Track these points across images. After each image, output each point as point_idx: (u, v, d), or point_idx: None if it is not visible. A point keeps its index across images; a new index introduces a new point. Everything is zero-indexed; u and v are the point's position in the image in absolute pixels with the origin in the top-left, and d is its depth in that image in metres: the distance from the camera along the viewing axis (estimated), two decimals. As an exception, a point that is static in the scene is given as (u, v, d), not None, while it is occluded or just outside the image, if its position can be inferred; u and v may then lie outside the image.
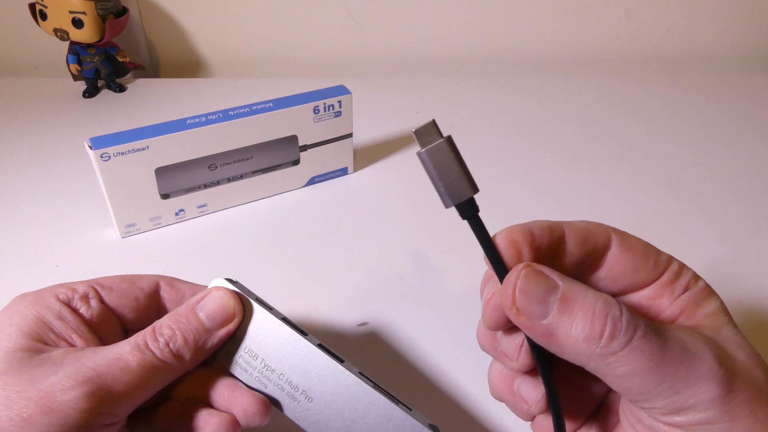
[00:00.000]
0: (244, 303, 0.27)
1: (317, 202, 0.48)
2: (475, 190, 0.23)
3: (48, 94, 0.65)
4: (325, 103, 0.46)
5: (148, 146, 0.41)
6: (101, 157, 0.39)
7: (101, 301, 0.27)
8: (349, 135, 0.49)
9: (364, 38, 0.72)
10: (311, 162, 0.49)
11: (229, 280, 0.27)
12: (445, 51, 0.74)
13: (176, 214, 0.45)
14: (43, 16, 0.60)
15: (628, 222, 0.46)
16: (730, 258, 0.42)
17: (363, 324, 0.37)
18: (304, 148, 0.48)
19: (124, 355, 0.23)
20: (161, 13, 0.70)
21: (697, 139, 0.57)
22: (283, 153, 0.47)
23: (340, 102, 0.47)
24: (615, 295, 0.23)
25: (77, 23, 0.59)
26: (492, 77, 0.71)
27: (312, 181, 0.50)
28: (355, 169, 0.52)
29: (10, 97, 0.65)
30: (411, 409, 0.25)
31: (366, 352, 0.35)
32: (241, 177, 0.47)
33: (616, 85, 0.67)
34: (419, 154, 0.23)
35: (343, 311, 0.38)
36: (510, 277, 0.21)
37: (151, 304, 0.28)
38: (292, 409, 0.26)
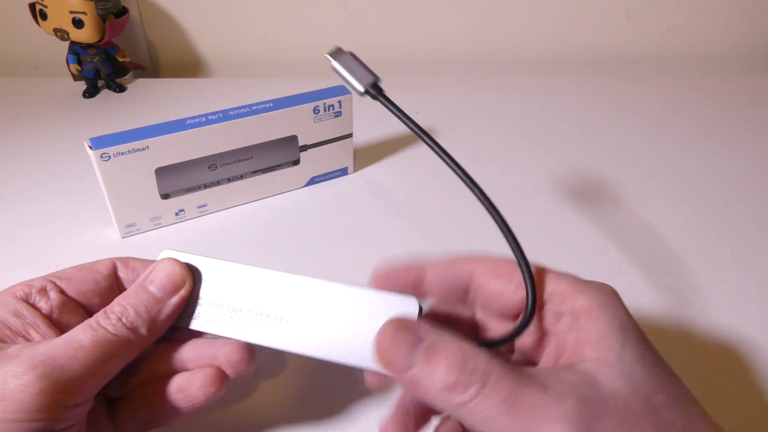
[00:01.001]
0: (193, 268, 0.27)
1: (317, 202, 0.48)
2: (377, 77, 0.30)
3: (48, 94, 0.65)
4: (325, 103, 0.46)
5: (148, 146, 0.41)
6: (101, 157, 0.39)
7: (61, 292, 0.27)
8: (349, 135, 0.49)
9: (364, 38, 0.72)
10: (311, 162, 0.49)
11: (178, 254, 0.28)
12: (445, 51, 0.74)
13: (176, 214, 0.45)
14: (43, 16, 0.60)
15: (628, 222, 0.46)
16: (730, 258, 0.42)
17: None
18: (304, 148, 0.48)
19: (76, 335, 0.23)
20: (161, 13, 0.70)
21: (698, 139, 0.57)
22: (283, 153, 0.47)
23: (340, 102, 0.47)
24: (507, 318, 0.25)
25: (77, 23, 0.59)
26: (492, 77, 0.71)
27: (312, 181, 0.50)
28: (355, 169, 0.52)
29: (10, 97, 0.65)
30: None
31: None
32: (241, 177, 0.47)
33: (616, 85, 0.67)
34: (328, 59, 0.30)
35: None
36: (381, 331, 0.22)
37: (113, 287, 0.28)
38: (274, 338, 0.25)
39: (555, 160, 0.54)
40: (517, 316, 0.25)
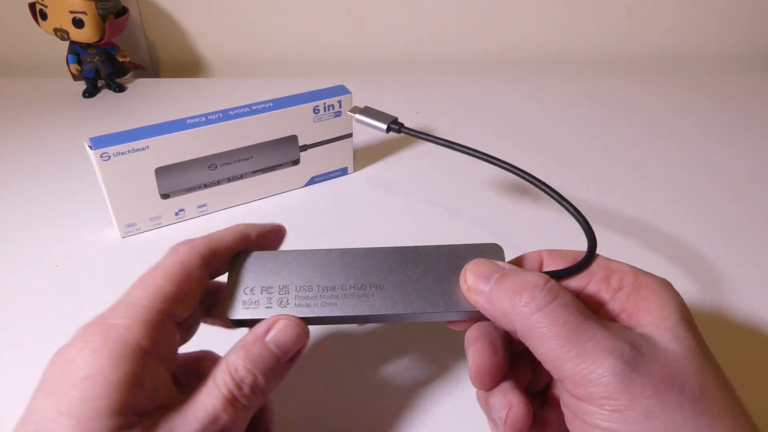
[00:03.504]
0: (272, 261, 0.27)
1: (317, 202, 0.48)
2: (395, 117, 0.37)
3: (48, 94, 0.65)
4: (325, 103, 0.46)
5: (148, 146, 0.41)
6: (101, 157, 0.39)
7: (173, 324, 0.24)
8: (349, 135, 0.49)
9: (364, 38, 0.72)
10: (311, 162, 0.49)
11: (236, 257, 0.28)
12: (445, 51, 0.74)
13: (176, 214, 0.45)
14: (43, 16, 0.60)
15: (627, 222, 0.46)
16: (729, 258, 0.42)
17: (363, 323, 0.37)
18: (304, 148, 0.48)
19: (219, 415, 0.22)
20: (161, 13, 0.70)
21: (697, 139, 0.57)
22: (283, 153, 0.47)
23: (340, 102, 0.47)
24: None
25: (77, 23, 0.59)
26: (492, 77, 0.71)
27: (312, 181, 0.50)
28: (355, 169, 0.52)
29: (10, 97, 0.65)
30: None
31: (366, 352, 0.35)
32: (241, 177, 0.47)
33: (616, 85, 0.67)
34: (351, 115, 0.40)
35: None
36: (466, 266, 0.25)
37: (204, 282, 0.26)
38: (378, 306, 0.26)
39: (555, 160, 0.54)
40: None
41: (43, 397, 0.21)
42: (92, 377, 0.21)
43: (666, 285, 0.24)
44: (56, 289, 0.40)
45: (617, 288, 0.25)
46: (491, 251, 0.27)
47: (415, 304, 0.26)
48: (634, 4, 0.70)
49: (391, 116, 0.38)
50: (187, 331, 0.27)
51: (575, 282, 0.26)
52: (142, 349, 0.22)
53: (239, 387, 0.23)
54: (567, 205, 0.28)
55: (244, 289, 0.27)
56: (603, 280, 0.25)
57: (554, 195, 0.29)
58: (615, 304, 0.24)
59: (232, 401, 0.22)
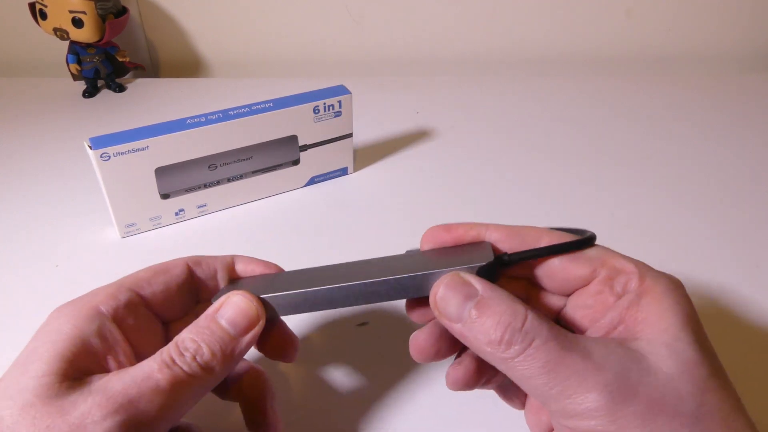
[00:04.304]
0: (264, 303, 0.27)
1: (317, 202, 0.48)
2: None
3: (48, 94, 0.65)
4: (325, 103, 0.46)
5: (147, 146, 0.41)
6: (101, 157, 0.39)
7: (144, 304, 0.26)
8: (349, 135, 0.49)
9: (364, 38, 0.72)
10: (311, 162, 0.49)
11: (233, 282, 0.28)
12: (445, 51, 0.74)
13: (176, 214, 0.45)
14: (43, 16, 0.60)
15: (627, 223, 0.46)
16: (729, 258, 0.42)
17: (363, 324, 0.37)
18: (304, 148, 0.48)
19: (153, 374, 0.22)
20: (161, 13, 0.70)
21: (697, 139, 0.57)
22: (283, 153, 0.47)
23: (340, 102, 0.47)
24: (561, 293, 0.26)
25: (77, 23, 0.59)
26: (492, 77, 0.71)
27: (312, 181, 0.50)
28: (355, 169, 0.52)
29: (10, 97, 0.65)
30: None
31: (366, 352, 0.35)
32: (241, 177, 0.47)
33: (616, 85, 0.67)
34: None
35: (342, 311, 0.38)
36: (437, 282, 0.23)
37: (187, 291, 0.28)
38: (340, 280, 0.25)
39: (555, 160, 0.54)
40: (569, 294, 0.25)
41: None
42: (46, 331, 0.24)
43: (671, 289, 0.23)
44: (56, 289, 0.40)
45: (621, 293, 0.23)
46: (479, 247, 0.24)
47: (382, 274, 0.24)
48: (634, 4, 0.70)
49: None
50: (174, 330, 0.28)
51: (577, 280, 0.24)
52: (98, 312, 0.24)
53: (181, 354, 0.23)
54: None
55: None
56: (606, 282, 0.24)
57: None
58: (615, 312, 0.23)
59: (170, 365, 0.23)
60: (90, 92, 0.65)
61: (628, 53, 0.73)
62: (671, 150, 0.55)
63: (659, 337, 0.21)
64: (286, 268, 0.41)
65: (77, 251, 0.43)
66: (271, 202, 0.49)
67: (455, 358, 0.26)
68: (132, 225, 0.44)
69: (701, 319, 0.23)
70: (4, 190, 0.50)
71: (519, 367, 0.21)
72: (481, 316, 0.22)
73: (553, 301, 0.26)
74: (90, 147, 0.39)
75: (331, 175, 0.51)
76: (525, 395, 0.27)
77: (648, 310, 0.22)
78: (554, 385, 0.20)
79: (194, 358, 0.23)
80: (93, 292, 0.25)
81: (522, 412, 0.27)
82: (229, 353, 0.24)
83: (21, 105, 0.63)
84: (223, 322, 0.25)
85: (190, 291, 0.28)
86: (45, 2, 0.59)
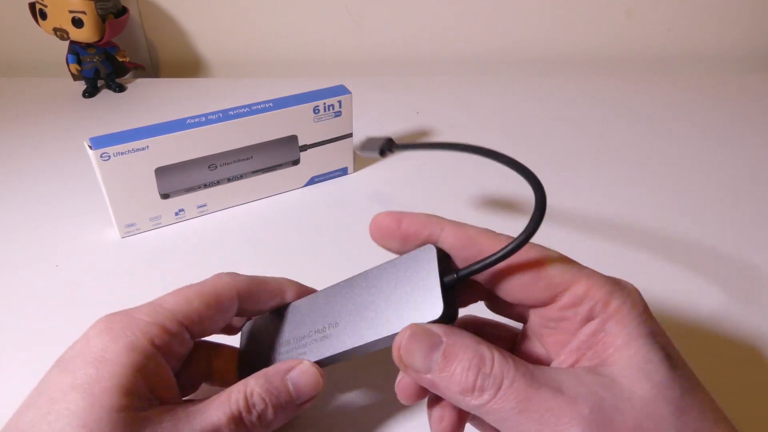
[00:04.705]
0: (253, 326, 0.30)
1: (317, 202, 0.48)
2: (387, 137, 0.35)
3: (48, 94, 0.65)
4: (325, 103, 0.46)
5: (147, 146, 0.41)
6: (101, 157, 0.39)
7: (189, 340, 0.26)
8: (349, 135, 0.49)
9: (364, 38, 0.72)
10: (311, 162, 0.49)
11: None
12: (445, 51, 0.74)
13: (176, 214, 0.45)
14: (43, 16, 0.60)
15: (627, 223, 0.46)
16: (729, 258, 0.42)
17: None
18: (304, 148, 0.48)
19: (221, 428, 0.23)
20: (161, 13, 0.70)
21: (697, 139, 0.57)
22: (283, 153, 0.47)
23: (340, 102, 0.47)
24: (519, 306, 0.25)
25: (77, 23, 0.59)
26: (492, 77, 0.71)
27: (312, 181, 0.50)
28: (355, 169, 0.52)
29: (10, 97, 0.65)
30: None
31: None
32: (241, 177, 0.47)
33: (616, 85, 0.67)
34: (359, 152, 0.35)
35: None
36: (399, 336, 0.22)
37: (231, 311, 0.28)
38: (333, 345, 0.26)
39: (555, 160, 0.54)
40: (530, 306, 0.24)
41: (58, 371, 0.23)
42: (106, 359, 0.22)
43: (634, 308, 0.22)
44: (56, 289, 0.40)
45: (585, 318, 0.22)
46: (424, 256, 0.24)
47: (365, 334, 0.25)
48: (634, 4, 0.70)
49: (386, 138, 0.35)
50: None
51: (537, 302, 0.23)
52: (154, 345, 0.24)
53: (249, 410, 0.24)
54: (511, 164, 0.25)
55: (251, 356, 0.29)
56: (569, 308, 0.23)
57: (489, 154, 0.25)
58: (582, 338, 0.22)
59: (238, 420, 0.24)
60: (90, 92, 0.65)
61: (628, 53, 0.73)
62: (671, 150, 0.55)
63: (629, 361, 0.21)
64: (286, 269, 0.42)
65: (77, 251, 0.43)
66: (271, 202, 0.49)
67: (432, 409, 0.26)
68: (132, 225, 0.44)
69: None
70: (4, 190, 0.50)
71: (493, 409, 0.21)
72: (449, 364, 0.21)
73: (514, 311, 0.26)
74: (90, 147, 0.39)
75: (331, 175, 0.51)
76: None
77: (615, 334, 0.22)
78: (530, 425, 0.20)
79: (259, 418, 0.24)
80: (146, 320, 0.24)
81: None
82: (287, 416, 0.25)
83: (21, 105, 0.63)
84: (291, 387, 0.25)
85: (233, 317, 0.28)
86: (45, 2, 0.59)
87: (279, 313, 0.29)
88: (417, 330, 0.22)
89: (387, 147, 0.34)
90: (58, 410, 0.21)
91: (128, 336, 0.23)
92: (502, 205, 0.48)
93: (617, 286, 0.23)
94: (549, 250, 0.24)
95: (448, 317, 0.23)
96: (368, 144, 0.37)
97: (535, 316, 0.24)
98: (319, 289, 0.29)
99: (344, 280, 0.27)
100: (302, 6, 0.70)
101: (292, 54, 0.74)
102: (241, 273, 0.28)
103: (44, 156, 0.54)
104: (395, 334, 0.23)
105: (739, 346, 0.36)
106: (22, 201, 0.48)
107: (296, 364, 0.26)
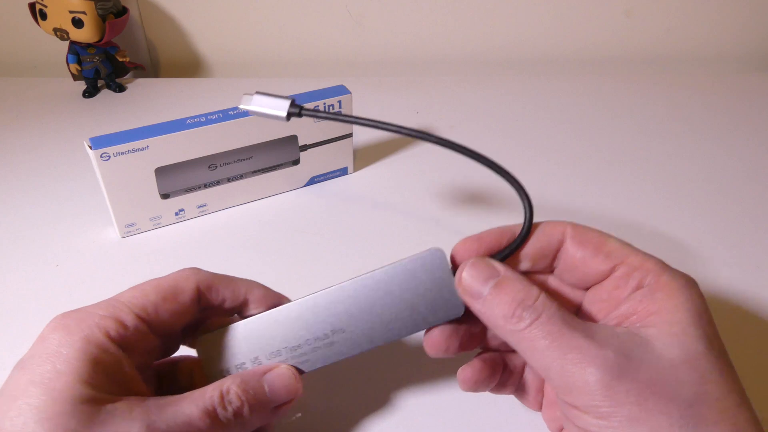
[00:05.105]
0: (236, 332, 0.27)
1: (317, 202, 0.48)
2: (291, 97, 0.31)
3: (48, 94, 0.65)
4: (325, 103, 0.46)
5: (147, 146, 0.41)
6: (101, 157, 0.39)
7: (148, 332, 0.25)
8: (349, 135, 0.50)
9: (364, 38, 0.72)
10: (311, 162, 0.49)
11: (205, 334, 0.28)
12: (445, 51, 0.74)
13: (176, 214, 0.45)
14: (43, 16, 0.60)
15: (626, 223, 0.46)
16: (729, 258, 0.42)
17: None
18: (304, 148, 0.48)
19: (195, 422, 0.23)
20: (161, 13, 0.70)
21: (697, 138, 0.57)
22: (283, 153, 0.47)
23: (340, 102, 0.47)
24: (580, 287, 0.27)
25: (77, 23, 0.59)
26: (492, 77, 0.71)
27: (312, 181, 0.50)
28: (355, 169, 0.52)
29: (10, 97, 0.65)
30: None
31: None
32: (241, 177, 0.47)
33: (616, 85, 0.67)
34: (242, 108, 0.32)
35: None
36: (462, 266, 0.25)
37: (192, 309, 0.27)
38: (343, 351, 0.26)
39: (555, 160, 0.54)
40: (588, 288, 0.26)
41: (16, 371, 0.22)
42: (62, 354, 0.22)
43: (686, 287, 0.23)
44: (56, 289, 0.40)
45: (636, 286, 0.24)
46: (433, 258, 0.26)
47: (379, 337, 0.26)
48: (634, 4, 0.70)
49: (288, 98, 0.32)
50: (171, 346, 0.29)
51: (596, 275, 0.25)
52: (110, 338, 0.24)
53: (224, 407, 0.24)
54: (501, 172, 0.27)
55: (219, 372, 0.27)
56: (624, 278, 0.24)
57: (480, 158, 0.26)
58: (629, 304, 0.24)
59: (213, 415, 0.24)
60: (90, 92, 0.65)
61: (628, 53, 0.74)
62: (670, 150, 0.55)
63: (668, 328, 0.22)
64: (286, 269, 0.42)
65: (77, 251, 0.43)
66: (271, 202, 0.49)
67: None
68: (132, 225, 0.44)
69: None
70: (5, 190, 0.50)
71: (526, 338, 0.23)
72: (498, 293, 0.24)
73: (572, 296, 0.27)
74: (90, 147, 0.39)
75: (331, 175, 0.51)
76: (542, 394, 0.28)
77: (661, 303, 0.23)
78: (556, 358, 0.22)
79: (234, 414, 0.24)
80: (100, 314, 0.24)
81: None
82: (263, 418, 0.26)
83: (21, 105, 0.63)
84: (267, 388, 0.26)
85: (193, 311, 0.27)
86: (45, 2, 0.59)
87: (251, 324, 0.28)
88: (478, 261, 0.25)
89: (296, 110, 0.31)
90: (19, 407, 0.21)
91: (83, 330, 0.23)
92: (502, 205, 0.48)
93: (672, 268, 0.24)
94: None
95: (464, 314, 0.26)
96: (260, 101, 0.33)
97: (588, 296, 0.26)
98: (291, 297, 0.28)
99: (334, 287, 0.27)
100: (302, 6, 0.70)
101: (292, 54, 0.74)
102: (204, 270, 0.28)
103: (44, 156, 0.54)
104: (412, 333, 0.25)
105: (739, 346, 0.36)
106: (23, 201, 0.48)
107: (273, 367, 0.26)
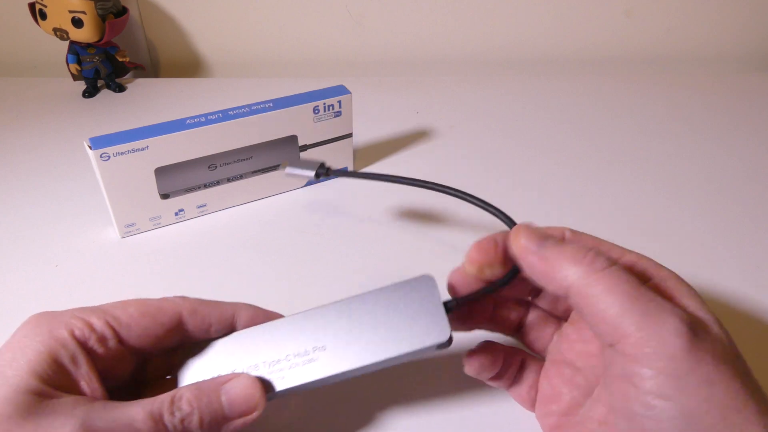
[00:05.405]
0: (219, 344, 0.27)
1: (317, 202, 0.48)
2: (322, 161, 0.41)
3: (48, 94, 0.65)
4: (325, 103, 0.46)
5: (147, 146, 0.41)
6: (101, 157, 0.39)
7: (118, 341, 0.25)
8: (349, 135, 0.49)
9: (364, 38, 0.72)
10: (311, 162, 0.49)
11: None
12: (445, 51, 0.74)
13: (176, 214, 0.45)
14: (43, 16, 0.60)
15: (626, 223, 0.46)
16: (729, 258, 0.42)
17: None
18: (304, 148, 0.48)
19: (136, 424, 0.22)
20: (161, 13, 0.70)
21: (696, 139, 0.57)
22: (283, 153, 0.47)
23: (340, 102, 0.47)
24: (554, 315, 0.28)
25: (77, 23, 0.59)
26: (492, 77, 0.71)
27: (312, 182, 0.50)
28: (355, 169, 0.52)
29: (10, 97, 0.65)
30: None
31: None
32: (241, 177, 0.47)
33: (615, 85, 0.67)
34: (288, 173, 0.42)
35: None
36: (514, 229, 0.25)
37: (174, 335, 0.26)
38: (323, 369, 0.25)
39: (554, 160, 0.54)
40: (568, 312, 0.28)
41: None
42: (24, 344, 0.23)
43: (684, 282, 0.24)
44: (56, 289, 0.40)
45: (644, 278, 0.24)
46: (424, 284, 0.26)
47: (362, 357, 0.25)
48: (634, 4, 0.70)
49: (318, 161, 0.40)
50: (155, 367, 0.28)
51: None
52: (73, 336, 0.24)
53: (172, 412, 0.23)
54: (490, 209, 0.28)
55: None
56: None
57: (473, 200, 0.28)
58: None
59: (157, 419, 0.23)
60: (90, 92, 0.65)
61: (628, 53, 0.74)
62: (670, 150, 0.55)
63: (701, 309, 0.24)
64: (286, 269, 0.42)
65: (77, 251, 0.43)
66: (271, 202, 0.49)
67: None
68: (132, 225, 0.44)
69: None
70: (4, 190, 0.50)
71: (601, 281, 0.22)
72: (564, 245, 0.23)
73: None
74: (90, 147, 0.39)
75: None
76: (535, 390, 0.28)
77: (680, 290, 0.24)
78: (634, 305, 0.21)
79: (182, 421, 0.23)
80: (72, 313, 0.25)
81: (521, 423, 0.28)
82: (215, 429, 0.24)
83: (21, 105, 0.63)
84: (224, 399, 0.24)
85: (176, 336, 0.27)
86: (45, 2, 0.59)
87: (231, 339, 0.27)
88: (532, 227, 0.25)
89: (323, 170, 0.40)
90: None
91: (49, 325, 0.24)
92: (503, 205, 0.48)
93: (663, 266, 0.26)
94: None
95: (450, 341, 0.25)
96: (296, 164, 0.41)
97: None
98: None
99: (319, 307, 0.27)
100: (302, 6, 0.70)
101: (292, 54, 0.74)
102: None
103: (44, 156, 0.54)
104: (396, 357, 0.24)
105: (739, 346, 0.36)
106: (22, 201, 0.48)
107: (233, 376, 0.25)
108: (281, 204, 0.48)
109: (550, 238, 0.24)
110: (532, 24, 0.71)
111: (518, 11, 0.70)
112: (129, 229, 0.44)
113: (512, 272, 0.25)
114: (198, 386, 0.25)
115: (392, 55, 0.74)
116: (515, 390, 0.29)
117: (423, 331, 0.25)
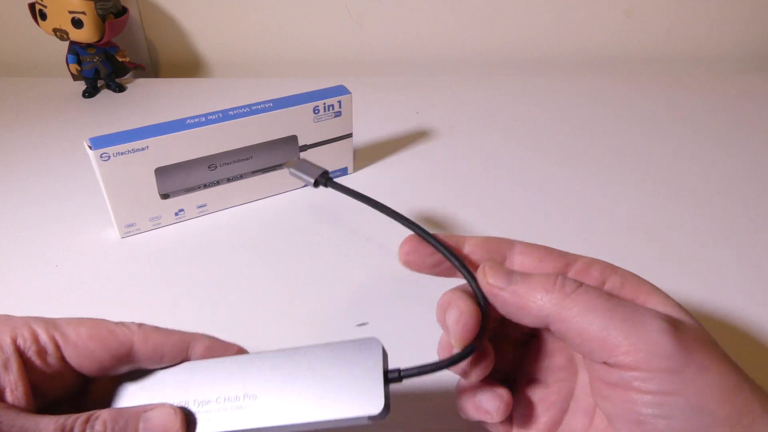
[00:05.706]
0: (161, 376, 0.26)
1: (317, 203, 0.48)
2: (326, 169, 0.39)
3: (48, 94, 0.65)
4: (325, 103, 0.46)
5: (147, 146, 0.41)
6: (101, 157, 0.39)
7: (60, 358, 0.24)
8: (349, 135, 0.49)
9: (364, 38, 0.72)
10: (311, 162, 0.49)
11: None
12: (445, 51, 0.74)
13: (176, 214, 0.45)
14: (43, 16, 0.60)
15: (626, 223, 0.46)
16: (729, 258, 0.42)
17: (363, 324, 0.37)
18: (304, 148, 0.48)
19: None
20: (161, 13, 0.70)
21: (696, 138, 0.57)
22: (283, 153, 0.47)
23: (340, 102, 0.47)
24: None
25: (77, 23, 0.59)
26: (492, 77, 0.71)
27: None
28: (355, 169, 0.52)
29: (10, 97, 0.65)
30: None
31: None
32: (241, 177, 0.47)
33: (615, 85, 0.67)
34: (291, 172, 0.40)
35: (342, 311, 0.38)
36: (484, 266, 0.25)
37: (123, 360, 0.26)
38: (248, 419, 0.24)
39: (554, 160, 0.54)
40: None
41: None
42: None
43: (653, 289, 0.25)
44: (56, 289, 0.40)
45: (601, 280, 0.25)
46: (368, 348, 0.24)
47: (289, 415, 0.23)
48: (634, 4, 0.70)
49: (322, 169, 0.39)
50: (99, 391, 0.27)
51: (550, 267, 0.26)
52: (14, 343, 0.24)
53: (83, 429, 0.23)
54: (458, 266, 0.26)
55: None
56: (582, 273, 0.25)
57: (448, 255, 0.26)
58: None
59: None
60: (90, 92, 0.65)
61: (628, 53, 0.74)
62: (671, 150, 0.55)
63: (667, 304, 0.24)
64: (286, 269, 0.42)
65: (77, 251, 0.43)
66: (271, 202, 0.49)
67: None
68: (132, 225, 0.44)
69: (701, 319, 0.23)
70: (4, 190, 0.50)
71: (579, 300, 0.22)
72: (530, 278, 0.24)
73: None
74: (90, 147, 0.39)
75: (331, 175, 0.51)
76: (511, 423, 0.27)
77: (641, 287, 0.25)
78: (615, 315, 0.22)
79: None
80: (25, 321, 0.25)
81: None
82: None
83: (21, 105, 0.63)
84: (142, 426, 0.24)
85: (124, 363, 0.26)
86: (45, 2, 0.59)
87: (173, 371, 0.26)
88: (495, 264, 0.25)
89: (323, 180, 0.38)
90: None
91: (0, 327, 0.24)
92: (503, 205, 0.48)
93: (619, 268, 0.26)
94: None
95: (384, 413, 0.23)
96: (301, 166, 0.39)
97: None
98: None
99: (267, 352, 0.25)
100: (302, 6, 0.70)
101: (292, 54, 0.74)
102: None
103: (44, 156, 0.54)
104: (322, 422, 0.23)
105: (737, 346, 0.36)
106: (22, 201, 0.48)
107: (156, 405, 0.24)
108: (281, 204, 0.48)
109: (514, 273, 0.24)
110: (532, 24, 0.71)
111: (518, 11, 0.70)
112: (129, 229, 0.44)
113: (468, 350, 0.24)
114: (119, 410, 0.24)
115: (392, 55, 0.74)
116: (494, 428, 0.28)
117: (356, 399, 0.23)
